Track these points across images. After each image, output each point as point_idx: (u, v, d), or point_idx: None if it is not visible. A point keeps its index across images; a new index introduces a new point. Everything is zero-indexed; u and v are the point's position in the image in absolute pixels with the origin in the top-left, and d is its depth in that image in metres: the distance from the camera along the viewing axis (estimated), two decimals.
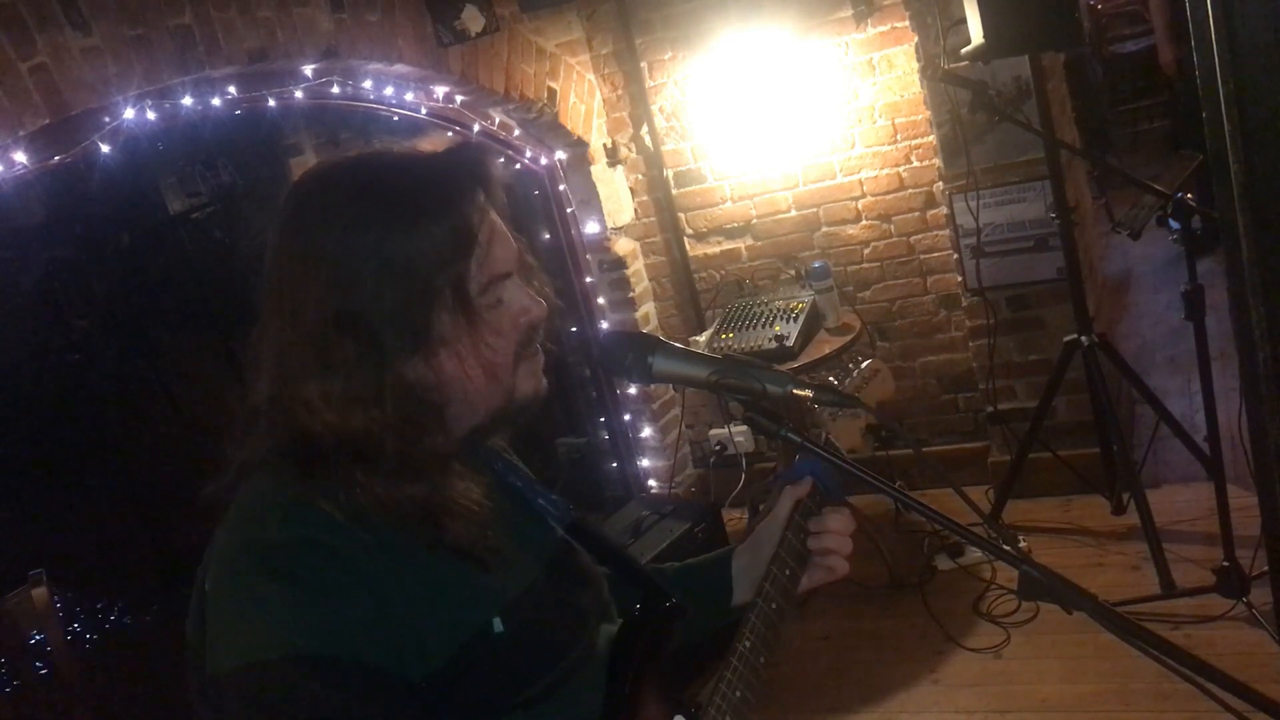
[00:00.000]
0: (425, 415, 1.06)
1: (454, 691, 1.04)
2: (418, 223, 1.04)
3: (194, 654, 1.04)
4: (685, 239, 4.35)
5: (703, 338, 3.94)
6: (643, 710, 1.16)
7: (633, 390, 4.37)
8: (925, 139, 3.77)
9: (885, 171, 3.91)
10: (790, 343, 3.63)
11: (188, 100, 2.75)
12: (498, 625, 1.07)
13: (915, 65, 3.67)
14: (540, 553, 1.20)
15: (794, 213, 4.12)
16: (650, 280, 4.47)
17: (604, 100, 4.27)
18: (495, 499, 1.13)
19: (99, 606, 5.31)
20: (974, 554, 3.58)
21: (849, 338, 3.72)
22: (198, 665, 1.03)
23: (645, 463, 4.44)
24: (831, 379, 1.48)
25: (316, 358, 1.03)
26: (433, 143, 1.15)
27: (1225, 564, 2.92)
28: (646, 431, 4.44)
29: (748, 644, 1.19)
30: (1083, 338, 3.25)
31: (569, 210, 4.19)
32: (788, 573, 1.26)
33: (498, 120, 3.89)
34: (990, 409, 3.82)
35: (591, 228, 4.26)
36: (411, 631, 1.02)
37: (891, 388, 1.54)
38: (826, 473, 1.32)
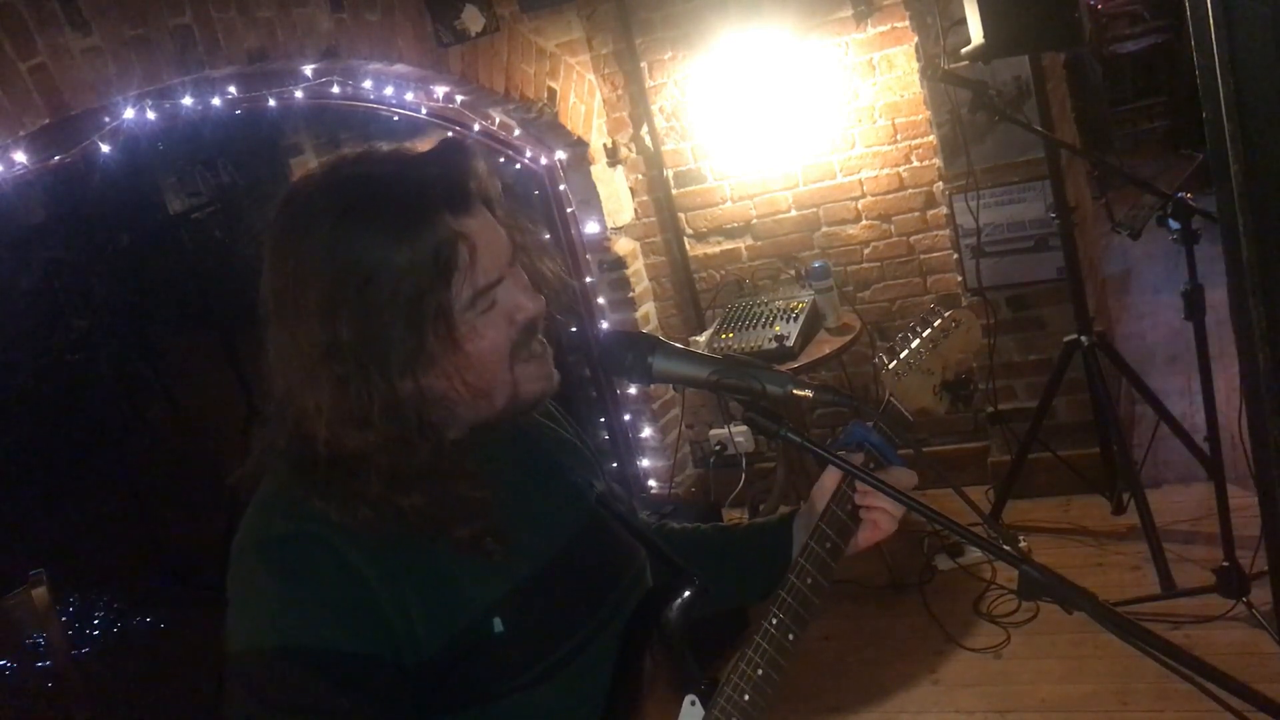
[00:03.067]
0: (414, 432, 1.07)
1: (449, 675, 1.07)
2: (394, 251, 1.04)
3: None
4: (685, 239, 4.35)
5: (703, 338, 3.94)
6: (650, 689, 1.15)
7: (633, 390, 4.36)
8: (925, 139, 3.77)
9: (885, 171, 3.91)
10: (790, 343, 3.63)
11: (188, 100, 2.75)
12: (495, 623, 1.08)
13: (915, 65, 3.67)
14: (563, 527, 1.20)
15: (794, 213, 4.12)
16: (650, 280, 4.46)
17: (604, 100, 4.26)
18: (520, 475, 1.15)
19: (99, 606, 5.31)
20: (974, 554, 3.58)
21: (849, 338, 3.73)
22: None
23: (645, 463, 4.44)
24: (915, 325, 1.41)
25: (307, 374, 1.06)
26: (425, 142, 1.14)
27: (1225, 564, 2.91)
28: (646, 431, 4.44)
29: (775, 621, 1.18)
30: (1083, 338, 3.25)
31: (569, 210, 4.19)
32: (828, 546, 1.24)
33: (498, 120, 3.89)
34: (990, 409, 3.82)
35: (591, 228, 4.26)
36: (404, 623, 1.05)
37: (978, 338, 1.45)
38: (879, 440, 1.31)
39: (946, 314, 1.44)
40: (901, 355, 1.39)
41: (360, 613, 1.03)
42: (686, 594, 1.20)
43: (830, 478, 1.31)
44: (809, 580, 1.21)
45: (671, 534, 1.48)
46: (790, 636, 1.18)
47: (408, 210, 1.06)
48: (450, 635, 1.07)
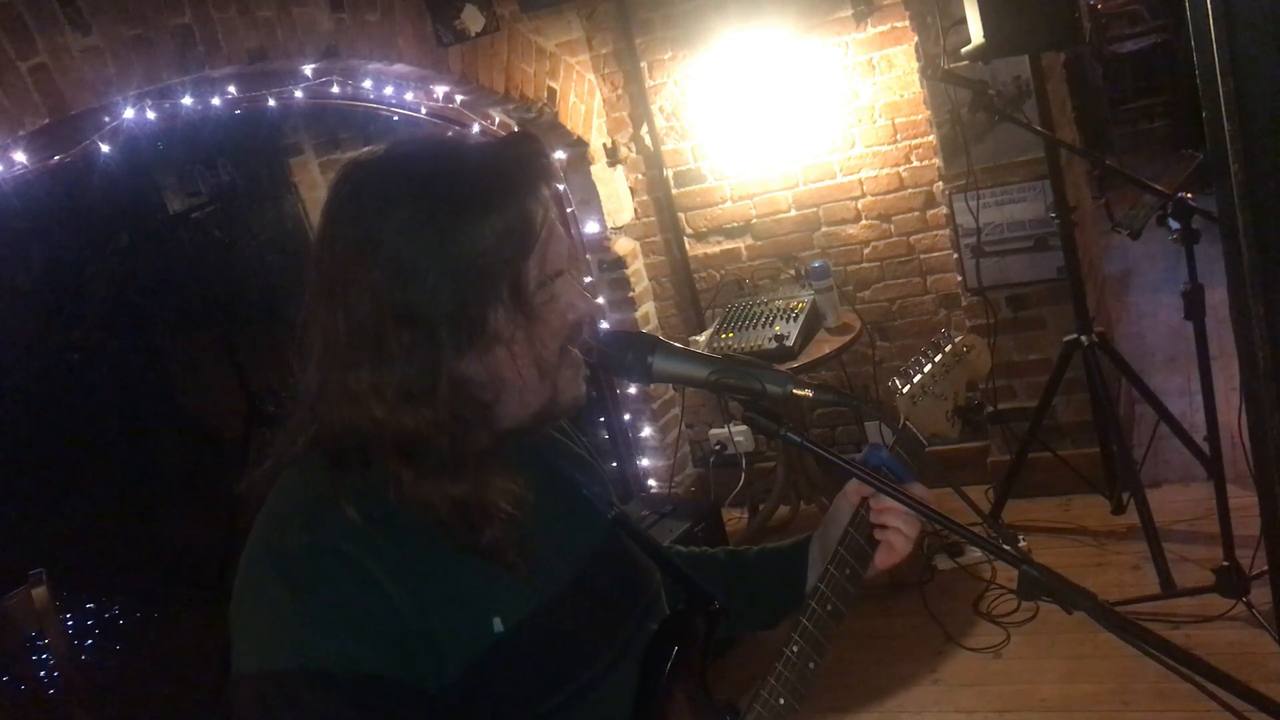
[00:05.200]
0: (475, 412, 1.05)
1: (471, 702, 1.03)
2: (481, 218, 1.03)
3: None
4: (685, 239, 4.35)
5: (703, 338, 3.94)
6: (673, 717, 1.13)
7: (633, 390, 4.37)
8: (925, 139, 3.77)
9: (885, 171, 3.91)
10: (790, 342, 3.63)
11: (188, 100, 2.75)
12: (515, 636, 1.05)
13: (915, 65, 3.67)
14: (582, 547, 1.17)
15: (794, 212, 4.12)
16: (650, 280, 4.46)
17: (604, 100, 4.26)
18: (540, 493, 1.11)
19: (99, 606, 5.31)
20: (974, 554, 3.58)
21: (849, 337, 3.73)
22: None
23: (645, 462, 4.44)
24: (926, 350, 1.41)
25: (370, 349, 1.02)
26: (484, 134, 1.14)
27: (1225, 564, 2.92)
28: (646, 431, 4.44)
29: (795, 649, 1.16)
30: (1083, 337, 3.25)
31: (569, 210, 4.19)
32: (847, 572, 1.23)
33: (497, 120, 3.89)
34: (990, 409, 3.82)
35: (591, 227, 4.26)
36: (427, 643, 1.01)
37: (988, 362, 1.45)
38: (896, 462, 1.30)
39: (957, 339, 1.45)
40: (915, 380, 1.38)
41: (382, 633, 0.98)
42: (706, 617, 1.18)
43: (847, 500, 1.30)
44: (829, 607, 1.20)
45: (681, 556, 1.44)
46: (811, 664, 1.16)
47: (497, 181, 1.05)
48: (472, 657, 1.02)
